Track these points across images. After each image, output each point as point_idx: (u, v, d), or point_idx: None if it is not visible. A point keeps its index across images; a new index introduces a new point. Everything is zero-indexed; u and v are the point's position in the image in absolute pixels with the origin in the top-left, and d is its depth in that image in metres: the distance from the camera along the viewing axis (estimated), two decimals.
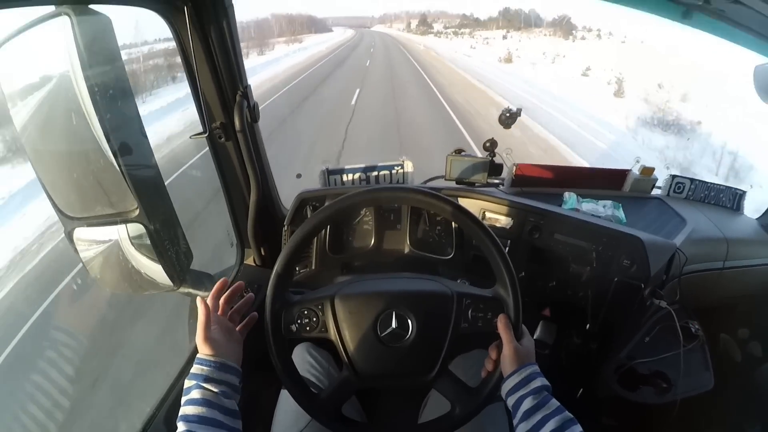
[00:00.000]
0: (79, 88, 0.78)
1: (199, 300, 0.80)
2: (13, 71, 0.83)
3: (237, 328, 0.86)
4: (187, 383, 0.73)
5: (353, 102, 11.62)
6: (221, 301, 0.85)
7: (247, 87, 1.23)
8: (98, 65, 0.80)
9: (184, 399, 0.72)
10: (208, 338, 0.77)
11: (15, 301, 3.68)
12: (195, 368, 0.74)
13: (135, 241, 0.99)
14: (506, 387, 0.78)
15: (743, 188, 1.69)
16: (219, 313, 0.84)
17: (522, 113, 1.53)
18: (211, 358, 0.75)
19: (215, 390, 0.72)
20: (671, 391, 1.31)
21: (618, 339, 1.41)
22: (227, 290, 0.86)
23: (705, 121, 10.79)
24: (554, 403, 0.74)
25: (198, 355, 0.76)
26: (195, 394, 0.71)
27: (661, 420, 1.34)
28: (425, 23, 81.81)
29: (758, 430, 1.53)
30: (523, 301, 0.82)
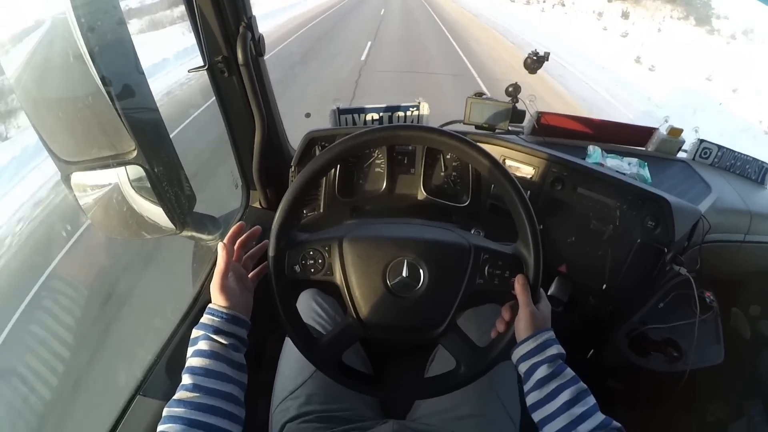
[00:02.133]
0: (75, 29, 0.73)
1: (220, 245, 0.77)
2: (6, 17, 0.80)
3: (249, 276, 0.82)
4: (195, 333, 0.71)
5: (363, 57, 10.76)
6: (236, 246, 0.82)
7: (251, 18, 1.14)
8: (93, 4, 0.77)
9: (190, 350, 0.69)
10: (225, 287, 0.74)
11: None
12: (206, 318, 0.72)
13: (135, 183, 0.95)
14: (519, 352, 0.74)
15: None
16: (233, 258, 0.80)
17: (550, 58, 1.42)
18: (224, 310, 0.72)
19: (224, 342, 0.70)
20: (681, 361, 1.25)
21: (634, 303, 1.36)
22: (243, 235, 0.83)
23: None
24: (569, 372, 0.70)
25: (210, 305, 0.73)
26: (203, 345, 0.69)
27: (668, 389, 1.29)
28: None
29: (760, 410, 1.50)
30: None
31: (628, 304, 1.34)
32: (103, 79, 0.76)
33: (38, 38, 0.79)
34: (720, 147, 1.55)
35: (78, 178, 0.93)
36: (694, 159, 1.55)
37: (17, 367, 2.34)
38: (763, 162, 1.60)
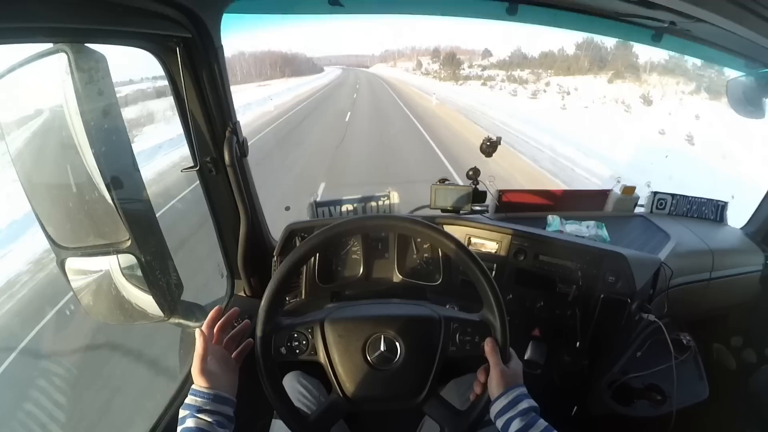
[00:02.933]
0: (73, 122, 0.80)
1: (198, 332, 0.80)
2: (11, 103, 0.86)
3: (233, 356, 0.86)
4: (182, 413, 0.74)
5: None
6: (216, 329, 0.85)
7: (236, 123, 1.27)
8: (93, 100, 0.82)
9: (179, 428, 0.73)
10: (204, 370, 0.77)
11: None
12: (189, 399, 0.75)
13: (126, 271, 0.99)
14: (494, 409, 0.79)
15: (725, 200, 1.73)
16: (213, 341, 0.84)
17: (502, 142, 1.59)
18: (206, 390, 0.75)
19: (209, 420, 0.73)
20: (666, 403, 1.31)
21: (609, 354, 1.42)
22: (221, 318, 0.86)
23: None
24: (542, 423, 0.74)
25: (193, 386, 0.77)
26: (190, 423, 0.72)
27: None
28: (452, 62, 51.68)
29: None
30: (512, 323, 0.83)
31: (605, 356, 1.40)
32: (100, 171, 0.81)
33: (39, 124, 0.84)
34: (674, 195, 1.68)
35: (72, 263, 0.97)
36: (651, 212, 1.67)
37: None
38: (717, 201, 1.71)
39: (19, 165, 0.87)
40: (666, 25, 1.27)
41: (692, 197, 1.70)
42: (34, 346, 3.29)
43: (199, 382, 0.76)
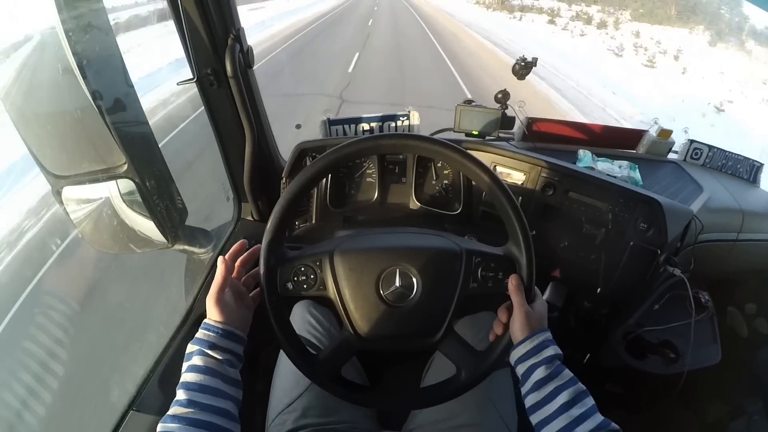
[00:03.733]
0: (64, 43, 0.73)
1: (220, 259, 0.77)
2: None
3: (250, 294, 0.82)
4: (190, 348, 0.71)
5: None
6: (237, 263, 0.82)
7: (239, 30, 1.14)
8: (82, 18, 0.77)
9: (185, 365, 0.69)
10: (221, 301, 0.74)
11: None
12: (200, 333, 0.72)
13: (126, 197, 0.95)
14: (516, 354, 0.73)
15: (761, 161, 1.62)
16: (234, 275, 0.80)
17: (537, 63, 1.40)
18: (219, 325, 0.72)
19: (219, 357, 0.70)
20: (678, 362, 1.25)
21: (629, 305, 1.35)
22: (245, 253, 0.83)
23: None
24: (567, 373, 0.70)
25: (205, 320, 0.73)
26: (197, 360, 0.68)
27: (666, 390, 1.28)
28: None
29: (759, 408, 1.50)
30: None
31: (623, 306, 1.33)
32: (92, 93, 0.76)
33: (27, 52, 0.79)
34: (711, 147, 1.56)
35: (69, 192, 0.93)
36: (685, 160, 1.56)
37: (2, 381, 2.32)
38: (754, 161, 1.60)
39: (6, 94, 0.81)
40: None
41: (729, 152, 1.58)
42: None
43: (212, 314, 0.74)
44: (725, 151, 1.57)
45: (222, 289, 0.75)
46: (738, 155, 1.59)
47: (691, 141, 1.55)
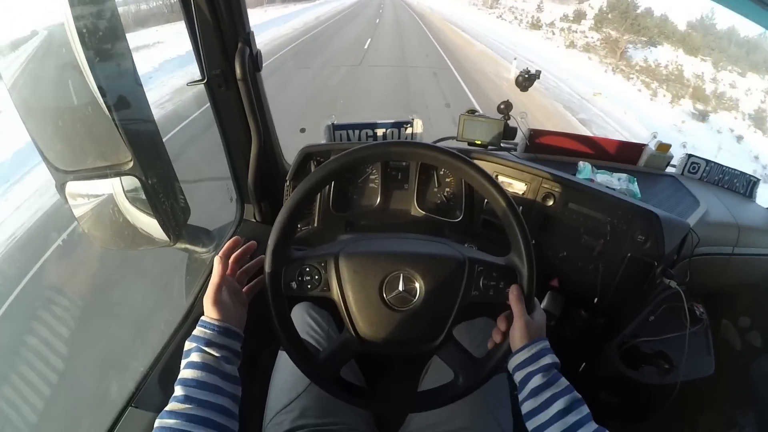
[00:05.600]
0: (73, 38, 0.73)
1: (216, 259, 0.78)
2: (3, 25, 0.79)
3: (243, 290, 0.83)
4: (188, 345, 0.71)
5: None
6: (231, 260, 0.83)
7: (249, 33, 1.16)
8: (91, 13, 0.77)
9: (183, 362, 0.70)
10: (218, 301, 0.75)
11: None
12: (197, 331, 0.72)
13: (129, 194, 0.95)
14: (514, 361, 0.75)
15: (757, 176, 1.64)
16: (228, 272, 0.81)
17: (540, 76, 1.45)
18: (216, 322, 0.73)
19: (216, 354, 0.70)
20: (673, 373, 1.26)
21: (625, 316, 1.37)
22: (238, 250, 0.84)
23: None
24: (563, 381, 0.71)
25: (202, 318, 0.74)
26: (195, 357, 0.69)
27: (659, 401, 1.29)
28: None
29: (752, 420, 1.51)
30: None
31: (620, 317, 1.35)
32: (100, 89, 0.76)
33: (35, 46, 0.79)
34: (708, 161, 1.58)
35: (73, 187, 0.93)
36: (682, 174, 1.58)
37: (2, 375, 2.31)
38: (750, 176, 1.62)
39: (14, 88, 0.80)
40: None
41: (726, 167, 1.60)
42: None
43: (210, 313, 0.74)
44: (722, 165, 1.59)
45: (219, 289, 0.76)
46: (735, 170, 1.61)
47: (689, 155, 1.57)
